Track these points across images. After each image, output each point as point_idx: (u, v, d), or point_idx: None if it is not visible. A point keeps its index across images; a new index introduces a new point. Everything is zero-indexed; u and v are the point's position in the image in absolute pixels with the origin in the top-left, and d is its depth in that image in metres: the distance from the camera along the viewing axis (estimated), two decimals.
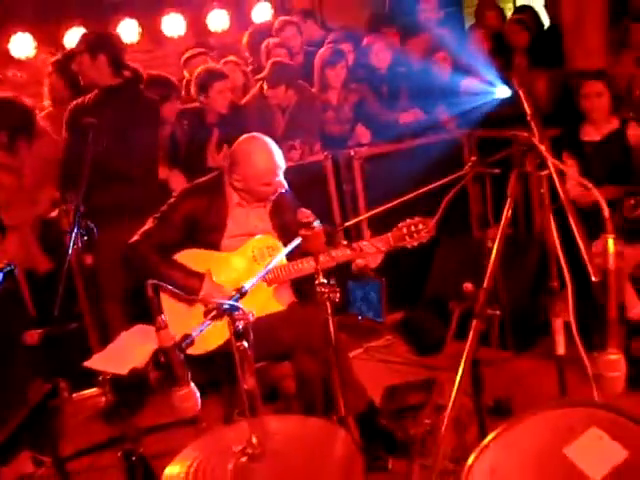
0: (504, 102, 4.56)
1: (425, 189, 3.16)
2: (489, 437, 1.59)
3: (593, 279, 1.43)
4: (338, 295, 1.98)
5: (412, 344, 4.45)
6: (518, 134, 2.07)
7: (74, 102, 4.19)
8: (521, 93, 2.23)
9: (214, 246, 3.28)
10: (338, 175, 4.69)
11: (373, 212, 3.25)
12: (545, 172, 2.04)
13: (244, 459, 1.76)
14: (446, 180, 3.25)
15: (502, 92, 4.54)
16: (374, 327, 4.64)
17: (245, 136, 3.30)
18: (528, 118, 2.17)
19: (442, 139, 4.75)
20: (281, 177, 3.22)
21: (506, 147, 4.30)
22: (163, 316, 1.75)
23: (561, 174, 2.00)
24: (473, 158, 3.24)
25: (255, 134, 3.32)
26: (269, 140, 3.28)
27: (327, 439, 1.87)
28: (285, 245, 3.21)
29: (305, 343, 3.12)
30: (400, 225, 3.14)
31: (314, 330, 3.15)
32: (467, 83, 4.74)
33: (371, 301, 4.63)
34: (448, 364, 4.10)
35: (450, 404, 1.65)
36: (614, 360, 1.43)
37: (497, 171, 3.34)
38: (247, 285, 2.04)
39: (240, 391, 1.98)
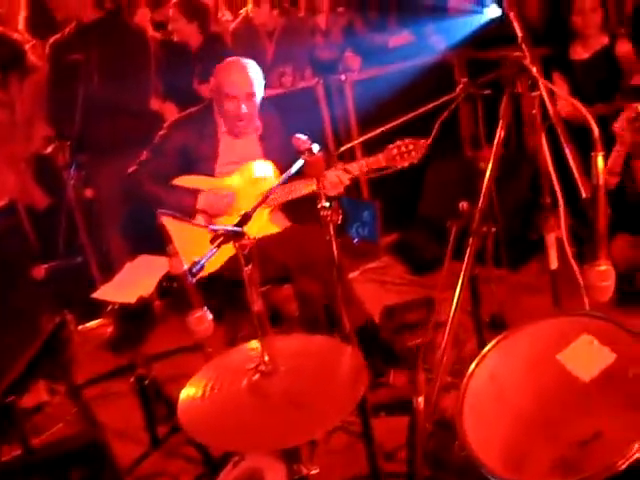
0: (494, 22, 4.55)
1: (418, 112, 3.18)
2: (489, 346, 1.69)
3: (583, 195, 1.50)
4: (340, 217, 2.05)
5: (408, 264, 4.55)
6: (509, 56, 2.10)
7: (54, 37, 4.16)
8: (511, 15, 2.26)
9: (209, 174, 3.36)
10: (330, 100, 4.70)
11: (366, 136, 3.28)
12: (536, 93, 2.09)
13: (257, 376, 1.86)
14: (438, 102, 3.29)
15: (492, 12, 4.51)
16: (369, 249, 4.72)
17: None
18: (519, 40, 2.20)
19: (432, 61, 4.74)
20: (251, 103, 3.25)
21: (496, 67, 4.33)
22: (173, 244, 1.83)
23: (552, 94, 2.04)
24: (464, 79, 3.26)
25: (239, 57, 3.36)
26: (249, 62, 3.31)
27: (334, 355, 1.97)
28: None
29: (305, 264, 3.22)
30: (391, 146, 3.16)
31: (313, 250, 3.26)
32: (456, 3, 4.71)
33: (366, 222, 4.69)
34: (444, 282, 4.26)
35: (450, 319, 1.73)
36: (604, 270, 1.52)
37: (488, 92, 3.38)
38: (250, 209, 2.10)
39: (249, 314, 2.07)
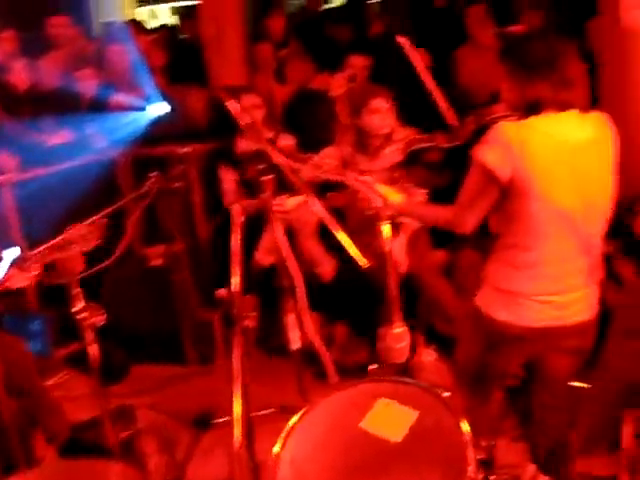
0: (161, 119, 4.57)
1: (98, 216, 2.96)
2: (291, 422, 1.63)
3: (363, 265, 1.55)
4: (104, 318, 1.84)
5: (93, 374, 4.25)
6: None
7: None
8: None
9: None
10: None
11: (40, 249, 2.93)
12: (268, 177, 2.14)
13: None
14: (129, 198, 3.18)
15: (158, 109, 4.52)
16: (46, 365, 4.30)
17: None
18: (247, 127, 2.26)
19: (95, 160, 4.57)
20: None
21: (163, 164, 4.36)
22: None
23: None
24: (155, 173, 3.20)
25: None
26: None
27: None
28: None
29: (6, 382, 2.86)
30: (68, 232, 2.87)
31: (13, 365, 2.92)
32: (119, 100, 4.62)
33: (36, 336, 4.30)
34: (135, 389, 4.05)
35: (237, 414, 1.59)
36: (400, 333, 1.58)
37: (178, 185, 3.37)
38: None
39: None
